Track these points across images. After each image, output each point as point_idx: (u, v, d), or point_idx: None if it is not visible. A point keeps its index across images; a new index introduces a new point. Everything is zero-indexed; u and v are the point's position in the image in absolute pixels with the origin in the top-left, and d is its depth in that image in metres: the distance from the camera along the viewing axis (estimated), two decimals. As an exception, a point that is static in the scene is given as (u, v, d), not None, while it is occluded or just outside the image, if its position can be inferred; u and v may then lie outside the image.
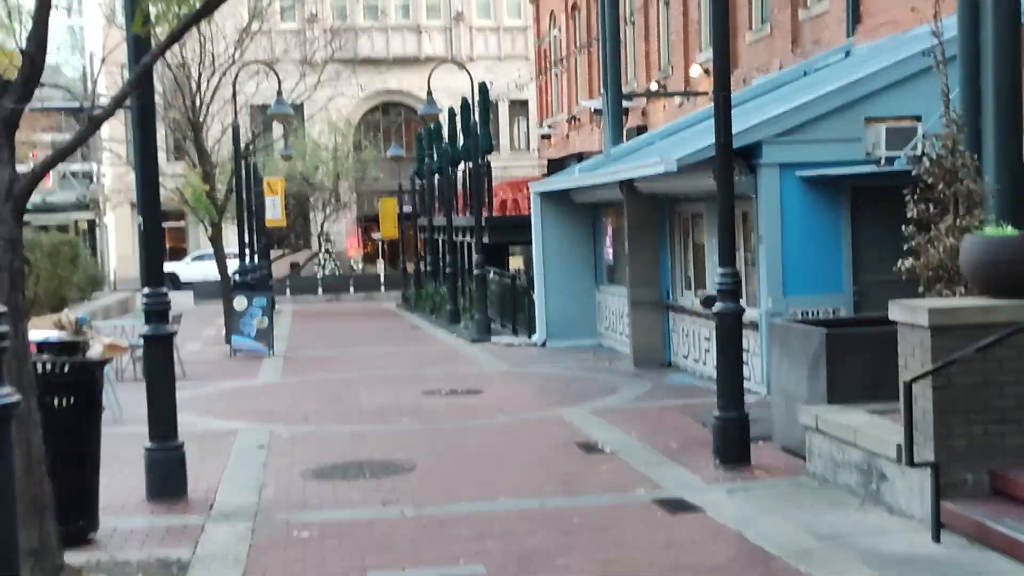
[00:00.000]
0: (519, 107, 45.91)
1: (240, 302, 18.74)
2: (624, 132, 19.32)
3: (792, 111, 11.55)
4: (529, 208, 19.06)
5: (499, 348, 18.37)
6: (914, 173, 8.13)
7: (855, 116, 11.27)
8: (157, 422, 8.19)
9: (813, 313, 11.12)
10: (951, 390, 6.69)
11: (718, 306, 8.87)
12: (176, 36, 5.62)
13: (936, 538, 6.52)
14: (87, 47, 39.27)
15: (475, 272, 20.94)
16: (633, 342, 15.19)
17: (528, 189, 19.79)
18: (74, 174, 43.16)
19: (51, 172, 41.52)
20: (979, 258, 7.00)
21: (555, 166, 24.50)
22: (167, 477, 8.19)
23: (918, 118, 11.06)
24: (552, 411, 11.77)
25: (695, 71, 20.28)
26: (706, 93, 18.95)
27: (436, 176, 28.46)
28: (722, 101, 8.71)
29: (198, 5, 5.47)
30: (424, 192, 30.50)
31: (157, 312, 8.18)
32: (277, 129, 32.82)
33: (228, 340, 19.26)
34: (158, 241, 8.43)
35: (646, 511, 7.55)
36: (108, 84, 27.64)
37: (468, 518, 7.53)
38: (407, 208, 33.85)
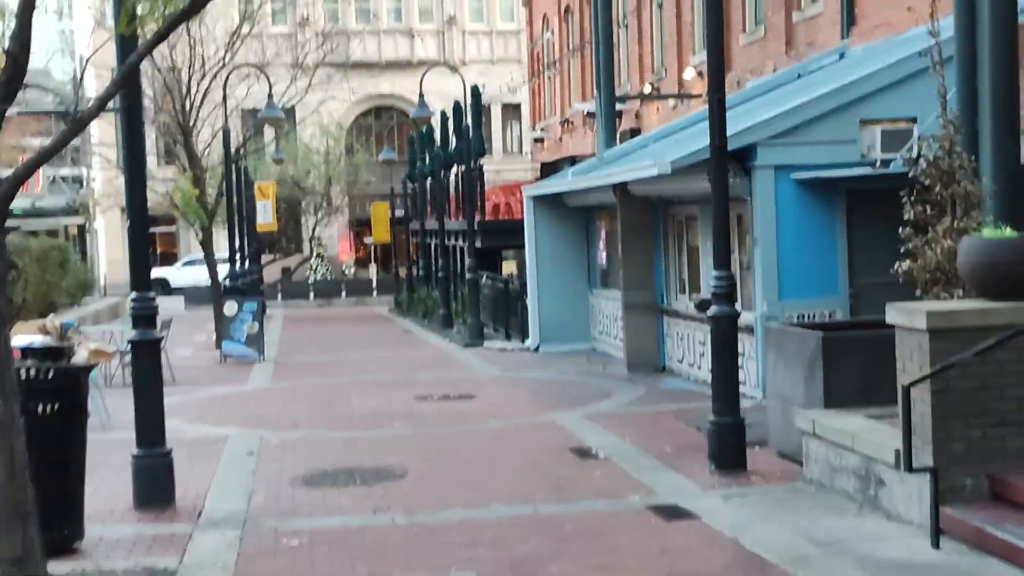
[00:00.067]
0: (512, 110, 45.84)
1: (230, 307, 18.62)
2: (617, 135, 19.25)
3: (787, 113, 11.48)
4: (522, 212, 18.97)
5: (492, 353, 18.26)
6: (911, 175, 8.05)
7: (850, 118, 11.21)
8: (144, 428, 8.07)
9: (809, 316, 11.04)
10: (950, 394, 6.60)
11: (713, 309, 8.77)
12: (162, 35, 5.51)
13: (935, 544, 6.42)
14: (77, 51, 39.11)
15: (468, 276, 20.84)
16: (627, 346, 15.10)
17: (521, 193, 19.70)
18: (64, 178, 42.98)
19: (41, 177, 41.37)
20: (977, 260, 6.92)
21: (548, 169, 24.46)
22: (154, 484, 8.06)
23: (913, 120, 11.00)
24: (545, 416, 11.67)
25: (688, 74, 20.22)
26: (700, 95, 18.88)
27: (428, 180, 28.34)
28: (716, 103, 8.62)
29: (183, 4, 5.36)
30: (416, 196, 30.39)
31: (144, 317, 8.06)
32: (268, 133, 32.69)
33: (218, 345, 19.13)
34: (146, 245, 8.33)
35: (640, 517, 7.44)
36: (98, 87, 27.50)
37: (460, 525, 7.43)
38: (399, 212, 33.74)
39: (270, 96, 21.16)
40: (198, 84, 21.31)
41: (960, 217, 7.70)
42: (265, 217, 29.18)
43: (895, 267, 7.97)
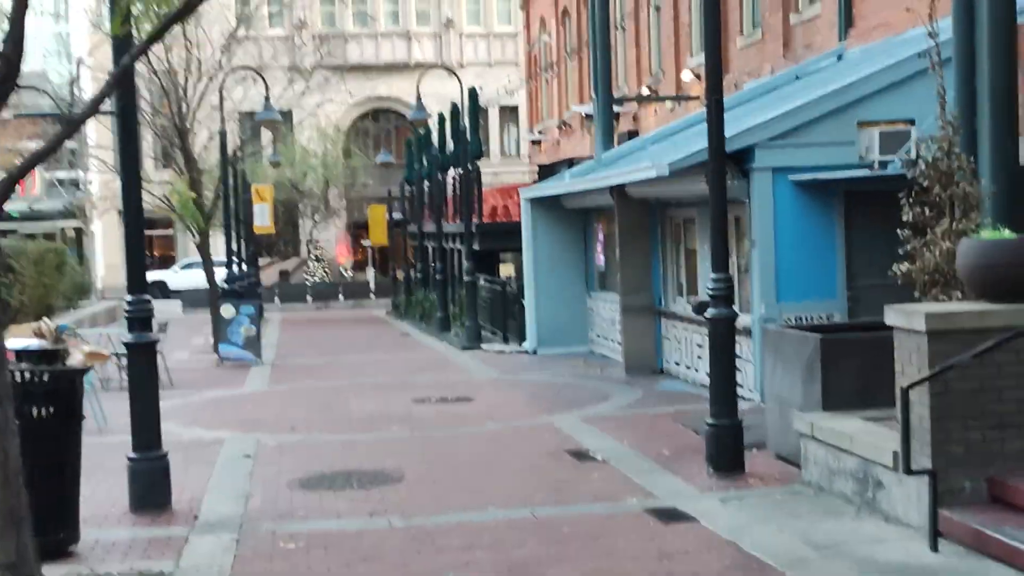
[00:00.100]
0: (509, 113, 45.83)
1: (228, 310, 18.58)
2: (615, 137, 19.22)
3: (785, 115, 11.46)
4: (519, 214, 18.94)
5: (490, 355, 18.23)
6: (909, 176, 8.03)
7: (848, 120, 11.19)
8: (140, 431, 8.03)
9: (806, 319, 11.01)
10: (948, 396, 6.58)
11: (711, 312, 8.75)
12: (156, 36, 5.47)
13: (934, 547, 6.39)
14: (74, 53, 39.08)
15: (465, 279, 20.80)
16: (625, 349, 15.07)
17: (518, 195, 19.67)
18: (61, 182, 42.92)
19: (38, 180, 41.31)
20: (976, 261, 6.90)
21: (546, 172, 24.44)
22: (151, 487, 8.03)
23: (911, 122, 10.97)
24: (543, 418, 11.63)
25: (686, 76, 20.20)
26: (697, 98, 18.87)
27: (426, 182, 28.31)
28: (715, 104, 8.60)
29: (178, 4, 5.33)
30: (414, 199, 30.36)
31: (140, 320, 8.03)
32: (266, 136, 32.66)
33: (216, 348, 19.09)
34: (141, 248, 8.28)
35: (638, 520, 7.41)
36: (95, 90, 27.44)
37: (457, 528, 7.39)
38: (397, 215, 33.70)
39: (267, 98, 21.13)
40: (194, 87, 21.27)
41: (959, 219, 7.67)
42: (262, 220, 29.12)
43: (894, 269, 7.95)
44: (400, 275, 31.90)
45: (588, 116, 22.31)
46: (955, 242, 7.40)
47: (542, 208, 17.97)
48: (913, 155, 9.82)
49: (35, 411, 6.77)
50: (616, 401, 12.67)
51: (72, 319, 24.17)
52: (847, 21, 14.88)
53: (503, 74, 42.82)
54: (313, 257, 40.99)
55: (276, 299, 35.33)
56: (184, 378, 16.24)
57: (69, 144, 43.07)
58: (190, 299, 33.35)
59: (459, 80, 23.88)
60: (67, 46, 44.04)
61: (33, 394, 6.77)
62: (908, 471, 6.48)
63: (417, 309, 26.80)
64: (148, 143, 29.94)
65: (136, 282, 8.11)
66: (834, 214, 11.44)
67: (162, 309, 28.24)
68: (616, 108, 20.22)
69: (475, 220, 21.96)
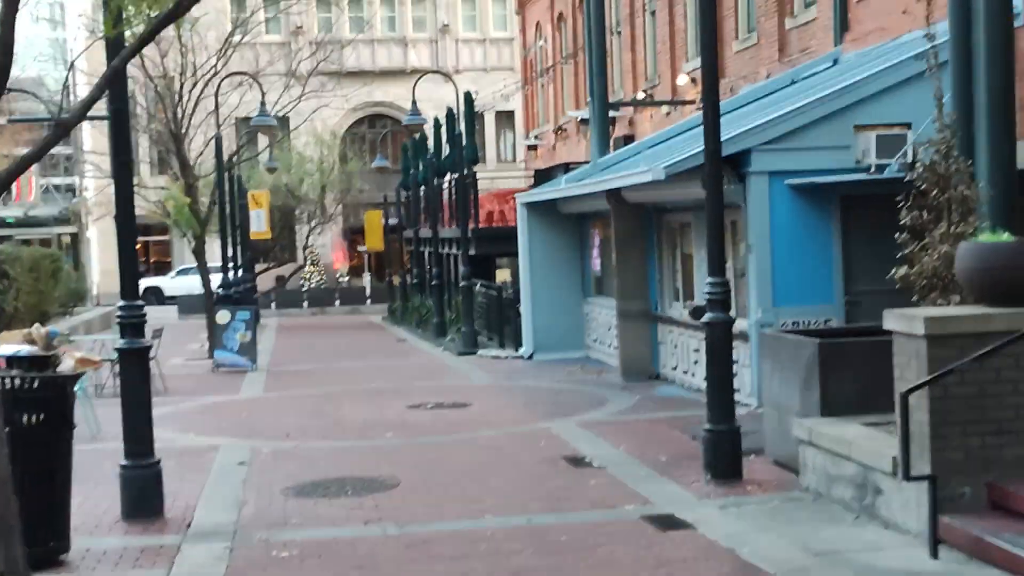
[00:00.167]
0: (505, 118, 45.81)
1: (223, 316, 18.50)
2: (611, 142, 19.18)
3: (781, 118, 11.41)
4: (516, 219, 18.89)
5: (486, 361, 18.16)
6: (907, 179, 7.98)
7: (845, 123, 11.15)
8: (132, 439, 7.95)
9: (804, 323, 10.95)
10: (948, 401, 6.52)
11: (708, 316, 8.69)
12: (147, 38, 5.41)
13: (934, 554, 6.34)
14: (70, 60, 39.01)
15: (461, 284, 20.73)
16: (621, 354, 15.01)
17: (514, 200, 19.62)
18: (57, 187, 42.85)
19: (34, 186, 41.21)
20: (974, 265, 6.85)
21: (542, 177, 24.34)
22: (143, 495, 7.95)
23: (908, 125, 10.94)
24: (539, 424, 11.56)
25: (682, 80, 20.17)
26: (693, 102, 18.84)
27: (422, 188, 28.28)
28: (711, 106, 8.54)
29: (170, 5, 5.26)
30: (410, 204, 30.31)
31: (132, 325, 7.95)
32: (262, 141, 32.58)
33: (211, 354, 19.00)
34: (134, 253, 8.21)
35: (636, 528, 7.34)
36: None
37: (453, 536, 7.32)
38: (393, 220, 33.64)
39: (263, 104, 21.08)
40: (190, 92, 21.21)
41: (957, 222, 7.62)
42: (259, 226, 29.03)
43: (892, 273, 7.89)
44: (396, 281, 31.83)
45: (584, 121, 22.25)
46: (953, 246, 7.35)
47: (538, 213, 17.92)
48: (910, 158, 9.80)
49: (25, 418, 6.69)
50: (613, 407, 12.60)
51: (67, 325, 24.06)
52: (842, 25, 14.85)
53: (499, 79, 42.79)
54: (309, 263, 40.89)
55: (272, 305, 35.25)
56: (179, 384, 16.16)
57: (64, 150, 43.08)
58: (186, 305, 33.27)
59: (455, 85, 23.83)
60: (64, 52, 43.99)
61: (23, 401, 6.69)
62: (908, 477, 6.42)
63: (413, 315, 26.73)
64: (144, 149, 29.91)
65: (129, 288, 8.03)
66: (831, 218, 11.39)
67: (158, 315, 28.19)
68: (612, 113, 20.17)
69: (471, 225, 21.91)
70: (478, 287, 21.30)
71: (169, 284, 41.25)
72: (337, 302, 36.87)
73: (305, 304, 36.41)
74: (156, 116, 22.15)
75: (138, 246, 18.81)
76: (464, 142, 22.21)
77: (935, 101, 8.00)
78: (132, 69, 19.80)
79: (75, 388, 7.34)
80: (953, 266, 7.16)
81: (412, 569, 6.66)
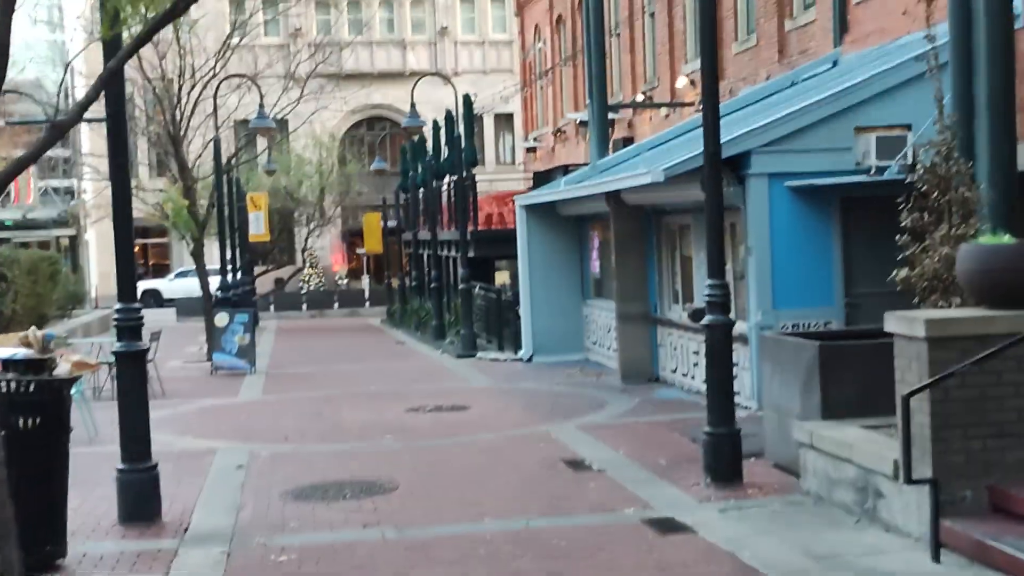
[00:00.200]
0: (504, 121, 45.81)
1: (221, 319, 18.45)
2: (610, 144, 19.15)
3: (781, 120, 11.38)
4: (515, 222, 18.85)
5: (485, 364, 18.13)
6: (907, 181, 7.95)
7: (845, 125, 11.11)
8: (129, 442, 7.91)
9: (804, 326, 10.92)
10: (949, 404, 6.49)
11: (708, 319, 8.65)
12: (143, 39, 5.38)
13: (935, 557, 6.30)
14: (72, 63, 38.98)
15: (460, 287, 20.69)
16: (620, 357, 14.97)
17: (513, 202, 19.58)
18: (55, 190, 42.81)
19: (32, 188, 41.16)
20: (975, 267, 6.81)
21: (541, 179, 24.33)
22: (140, 499, 7.90)
23: (908, 127, 10.91)
24: (539, 428, 11.53)
25: (681, 82, 20.14)
26: (692, 104, 18.81)
27: (421, 190, 28.25)
28: (711, 108, 8.51)
29: (167, 5, 5.23)
30: (409, 206, 30.28)
31: (129, 328, 7.91)
32: (261, 144, 32.56)
33: (210, 357, 18.96)
34: (131, 255, 8.17)
35: (636, 532, 7.30)
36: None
37: (452, 541, 7.28)
38: (392, 223, 33.62)
39: (261, 106, 21.04)
40: (188, 94, 21.17)
41: (958, 224, 7.60)
42: (258, 228, 29.01)
43: (893, 275, 7.86)
44: (395, 283, 31.80)
45: (583, 123, 22.23)
46: (954, 248, 7.32)
47: (537, 215, 17.89)
48: (911, 160, 9.77)
49: (21, 421, 6.65)
50: (612, 410, 12.56)
51: (66, 328, 24.05)
52: (842, 27, 14.83)
53: (498, 82, 42.78)
54: (308, 265, 40.86)
55: (271, 307, 35.22)
56: (177, 387, 16.12)
57: (63, 152, 43.01)
58: (184, 307, 33.24)
59: (454, 88, 23.80)
60: (63, 55, 43.95)
61: (19, 404, 6.65)
62: (909, 480, 6.38)
63: (412, 317, 26.69)
64: (142, 151, 29.88)
65: (126, 290, 8.00)
66: (831, 220, 11.36)
67: (156, 317, 28.17)
68: (611, 115, 20.16)
69: (470, 227, 21.87)
70: (477, 289, 21.27)
71: (168, 287, 41.22)
72: (336, 305, 36.85)
73: (304, 306, 36.39)
74: (154, 118, 22.12)
75: (136, 248, 18.78)
76: (463, 144, 22.18)
77: (935, 103, 7.97)
78: (130, 71, 19.78)
79: (72, 391, 7.31)
80: (954, 268, 7.13)
81: (411, 573, 6.62)
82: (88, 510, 8.24)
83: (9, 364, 6.80)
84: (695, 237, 13.27)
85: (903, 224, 7.88)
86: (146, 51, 20.03)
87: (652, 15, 22.32)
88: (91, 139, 29.04)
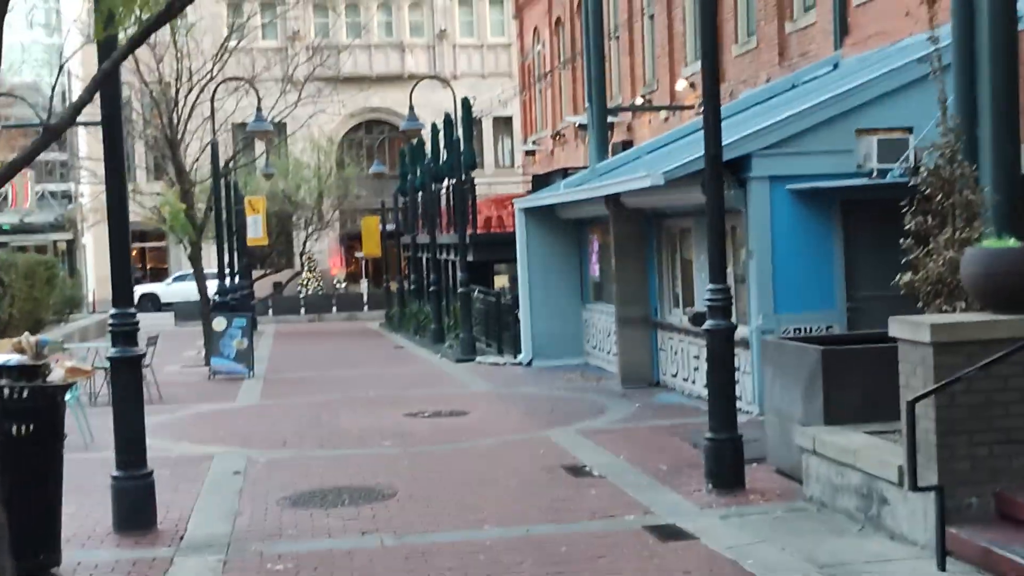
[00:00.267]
0: (503, 124, 45.75)
1: (219, 323, 18.37)
2: (609, 147, 19.09)
3: (782, 123, 11.31)
4: (514, 225, 18.78)
5: (484, 368, 18.04)
6: (911, 184, 7.87)
7: (846, 128, 11.06)
8: (124, 449, 7.82)
9: (805, 330, 10.85)
10: (954, 409, 6.40)
11: (709, 323, 8.57)
12: (138, 40, 5.29)
13: (941, 566, 6.21)
14: (67, 66, 38.98)
15: (459, 290, 20.62)
16: (621, 361, 14.89)
17: (512, 206, 19.51)
18: (52, 194, 42.73)
19: (30, 192, 41.07)
20: (980, 271, 6.73)
21: (540, 182, 24.28)
22: (135, 507, 7.81)
23: (909, 130, 10.86)
24: (539, 433, 11.44)
25: (680, 85, 20.09)
26: (692, 107, 18.75)
27: (419, 193, 28.17)
28: (712, 110, 8.43)
29: (161, 7, 5.15)
30: (407, 210, 30.21)
31: (124, 333, 7.82)
32: (259, 147, 32.51)
33: (207, 362, 18.87)
34: (127, 260, 8.06)
35: (637, 538, 7.22)
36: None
37: (451, 547, 7.19)
38: (390, 226, 33.55)
39: (259, 109, 20.96)
40: (185, 97, 21.10)
41: (962, 227, 7.50)
42: (256, 232, 28.95)
43: (896, 279, 7.78)
44: (393, 287, 31.73)
45: (582, 126, 22.17)
46: (958, 251, 7.24)
47: (536, 218, 17.82)
48: (912, 163, 9.70)
49: (14, 428, 6.55)
50: (612, 414, 12.48)
51: (63, 332, 23.95)
52: (842, 29, 14.78)
53: (497, 85, 42.77)
54: (306, 269, 40.80)
55: (269, 311, 35.15)
56: (174, 392, 16.03)
57: (60, 156, 42.92)
58: (182, 311, 33.17)
59: (452, 91, 23.74)
60: (60, 58, 43.82)
61: (12, 411, 6.55)
62: (915, 488, 6.29)
63: (411, 321, 26.60)
64: (140, 154, 29.81)
65: (122, 295, 7.91)
66: (833, 223, 11.29)
67: (154, 322, 28.08)
68: (610, 118, 20.09)
69: (469, 231, 21.80)
70: (476, 293, 21.19)
71: (165, 290, 41.13)
72: (334, 308, 36.77)
73: (302, 310, 36.32)
74: (152, 122, 22.03)
75: (134, 252, 18.61)
76: (462, 147, 22.12)
77: (938, 105, 7.89)
78: (128, 75, 19.73)
79: (67, 397, 7.22)
80: (958, 272, 7.05)
81: (409, 582, 6.54)
82: (83, 517, 8.14)
83: (2, 370, 6.71)
84: (695, 240, 13.20)
85: (907, 228, 7.79)
86: (143, 54, 19.98)
87: (651, 17, 22.26)
88: (88, 142, 28.97)
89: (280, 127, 30.45)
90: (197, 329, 23.35)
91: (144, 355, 8.84)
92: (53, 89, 7.13)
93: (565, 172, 23.04)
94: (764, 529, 7.26)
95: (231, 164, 25.55)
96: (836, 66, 14.62)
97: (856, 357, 8.05)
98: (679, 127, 18.02)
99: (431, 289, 23.77)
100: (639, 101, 22.26)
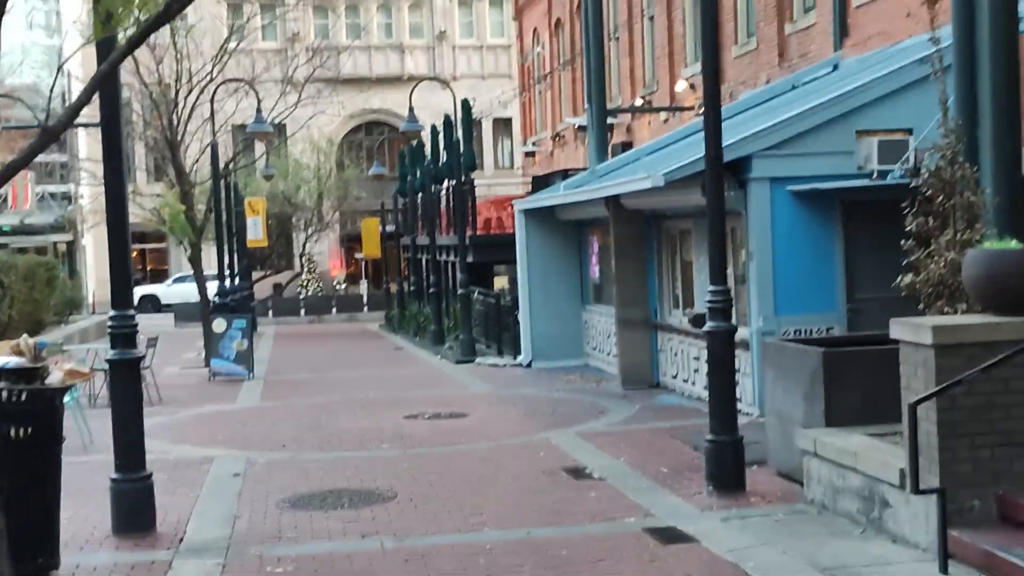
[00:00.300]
0: (503, 125, 45.74)
1: (219, 324, 18.34)
2: (609, 148, 19.07)
3: (782, 124, 11.29)
4: (514, 226, 18.76)
5: (484, 369, 18.02)
6: (912, 185, 7.84)
7: (846, 129, 11.04)
8: (123, 452, 7.79)
9: (806, 332, 10.83)
10: (956, 412, 6.38)
11: (710, 325, 8.55)
12: (136, 41, 5.28)
13: (943, 569, 6.19)
14: (67, 67, 38.99)
15: (459, 292, 20.60)
16: (621, 362, 14.87)
17: (512, 207, 19.49)
18: (53, 195, 42.70)
19: (30, 193, 41.05)
20: (982, 272, 6.71)
21: (539, 183, 24.25)
22: (134, 510, 7.78)
23: (909, 131, 10.84)
24: (539, 435, 11.41)
25: (680, 86, 20.07)
26: (692, 108, 18.74)
27: (419, 195, 28.16)
28: (712, 111, 8.40)
29: (159, 8, 5.13)
30: (407, 211, 30.19)
31: (123, 336, 7.79)
32: (259, 148, 32.51)
33: (207, 363, 18.85)
34: (126, 262, 8.03)
35: (638, 541, 7.19)
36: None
37: (451, 550, 7.17)
38: (390, 227, 33.54)
39: (259, 110, 20.94)
40: (185, 99, 21.08)
41: (963, 229, 7.48)
42: (256, 233, 28.93)
43: (897, 281, 7.75)
44: (393, 288, 31.72)
45: (582, 127, 22.15)
46: (960, 253, 7.22)
47: (536, 220, 17.80)
48: (912, 164, 9.68)
49: (12, 431, 6.53)
50: (613, 416, 12.45)
51: (63, 334, 23.92)
52: (842, 31, 14.76)
53: (496, 86, 42.75)
54: (306, 270, 40.78)
55: (269, 312, 35.14)
56: (174, 394, 16.01)
57: (60, 157, 42.89)
58: (182, 313, 33.16)
59: (452, 92, 23.73)
60: (60, 59, 43.83)
61: (10, 414, 6.53)
62: (916, 491, 6.27)
63: (411, 322, 26.58)
64: (140, 156, 29.79)
65: (121, 297, 7.88)
66: (833, 225, 11.27)
67: (154, 323, 28.06)
68: (610, 119, 20.07)
69: (469, 232, 21.78)
70: (476, 294, 21.17)
71: (165, 292, 41.12)
72: (334, 310, 36.76)
73: (302, 312, 36.31)
74: (152, 123, 22.01)
75: (134, 254, 18.54)
76: (462, 149, 22.09)
77: (939, 106, 7.87)
78: (127, 76, 19.71)
79: (66, 399, 7.20)
80: (959, 274, 7.02)
81: (409, 585, 6.52)
82: (81, 520, 8.12)
83: (1, 373, 6.68)
84: (695, 242, 13.17)
85: (908, 229, 7.77)
86: (143, 55, 19.97)
87: (651, 18, 22.24)
88: (88, 144, 28.95)
89: (280, 128, 30.46)
90: (197, 330, 23.33)
91: (143, 357, 8.82)
92: (51, 90, 7.11)
93: (565, 173, 23.01)
94: (765, 532, 7.23)
95: (231, 165, 25.54)
96: (836, 67, 14.60)
97: (857, 359, 8.03)
98: (679, 128, 18.00)
99: (431, 290, 23.74)
100: (639, 102, 22.24)
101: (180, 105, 20.99)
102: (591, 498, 8.45)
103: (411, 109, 22.24)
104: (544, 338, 17.56)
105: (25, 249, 35.72)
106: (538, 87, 31.93)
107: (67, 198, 43.40)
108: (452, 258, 24.23)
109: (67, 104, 24.92)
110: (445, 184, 25.57)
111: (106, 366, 9.18)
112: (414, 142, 26.93)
